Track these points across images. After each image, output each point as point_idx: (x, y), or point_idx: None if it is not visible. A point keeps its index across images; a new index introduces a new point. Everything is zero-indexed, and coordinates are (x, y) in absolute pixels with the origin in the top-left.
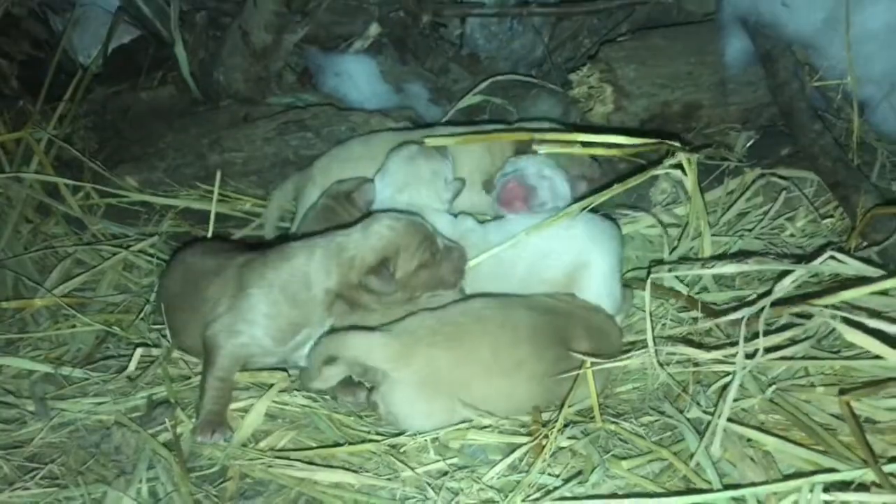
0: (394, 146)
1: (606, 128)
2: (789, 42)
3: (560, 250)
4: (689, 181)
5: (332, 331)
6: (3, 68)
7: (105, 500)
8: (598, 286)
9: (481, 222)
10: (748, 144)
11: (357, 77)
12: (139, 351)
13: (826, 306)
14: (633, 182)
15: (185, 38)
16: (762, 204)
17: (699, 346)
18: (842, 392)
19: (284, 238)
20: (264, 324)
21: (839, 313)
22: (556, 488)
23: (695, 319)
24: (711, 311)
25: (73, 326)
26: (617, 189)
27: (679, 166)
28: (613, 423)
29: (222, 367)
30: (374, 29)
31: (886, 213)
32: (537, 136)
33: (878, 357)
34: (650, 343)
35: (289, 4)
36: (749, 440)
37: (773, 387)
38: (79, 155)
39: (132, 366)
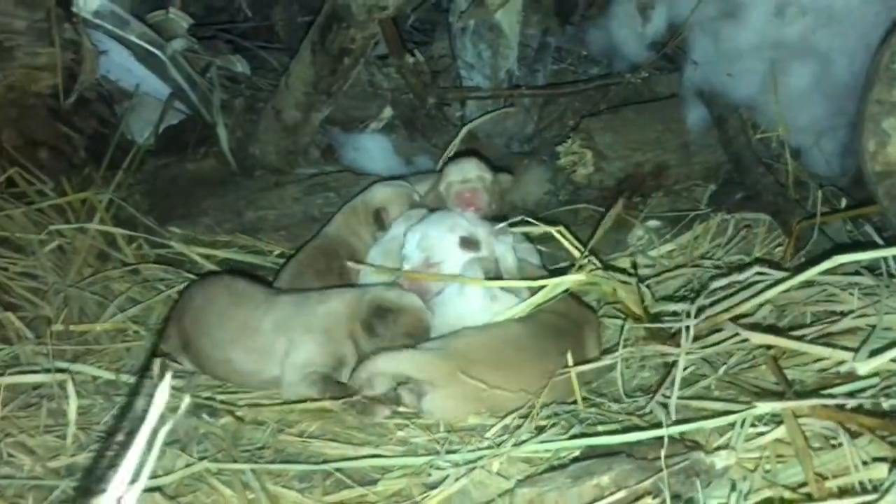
0: None
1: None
2: (736, 106)
3: None
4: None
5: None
6: (75, 141)
7: (163, 458)
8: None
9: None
10: (708, 195)
11: (373, 152)
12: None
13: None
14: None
15: (226, 120)
16: (723, 244)
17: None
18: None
19: None
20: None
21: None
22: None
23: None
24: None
25: (129, 347)
26: (541, 282)
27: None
28: (593, 405)
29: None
30: (387, 112)
31: (809, 224)
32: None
33: None
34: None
35: (316, 86)
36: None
37: (724, 367)
38: (134, 212)
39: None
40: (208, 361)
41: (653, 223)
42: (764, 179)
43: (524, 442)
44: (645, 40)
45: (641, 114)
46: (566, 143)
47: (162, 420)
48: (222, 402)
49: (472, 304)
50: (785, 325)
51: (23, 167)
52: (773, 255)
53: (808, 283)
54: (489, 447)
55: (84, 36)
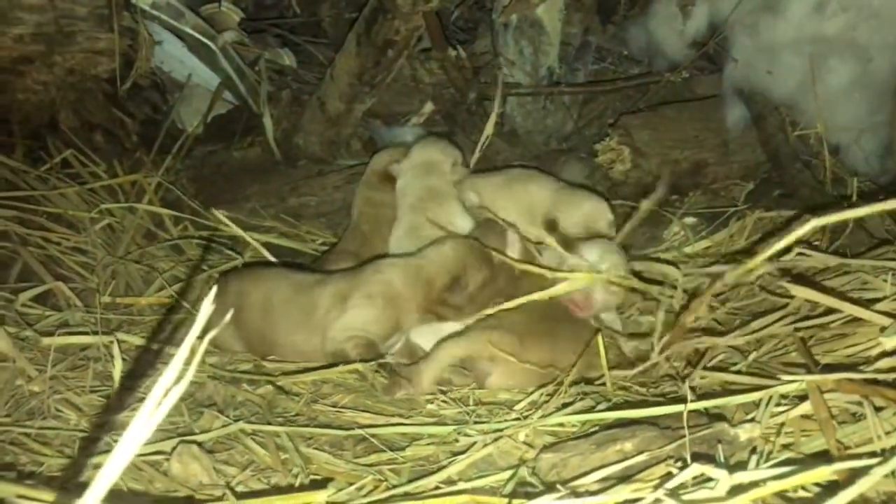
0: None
1: None
2: (776, 103)
3: None
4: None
5: (448, 339)
6: (128, 126)
7: (201, 420)
8: None
9: None
10: (746, 193)
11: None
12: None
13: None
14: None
15: (272, 111)
16: (759, 241)
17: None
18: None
19: None
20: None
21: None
22: (565, 406)
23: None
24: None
25: (170, 320)
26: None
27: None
28: (621, 388)
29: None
30: (428, 107)
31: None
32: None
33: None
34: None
35: (360, 77)
36: None
37: (754, 354)
38: (181, 194)
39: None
40: (274, 348)
41: (689, 220)
42: (801, 175)
43: (551, 414)
44: (686, 39)
45: (681, 112)
46: (604, 141)
47: (205, 332)
48: (260, 372)
49: None
50: (818, 312)
51: (78, 149)
52: None
53: (844, 272)
54: (516, 419)
55: (141, 25)
